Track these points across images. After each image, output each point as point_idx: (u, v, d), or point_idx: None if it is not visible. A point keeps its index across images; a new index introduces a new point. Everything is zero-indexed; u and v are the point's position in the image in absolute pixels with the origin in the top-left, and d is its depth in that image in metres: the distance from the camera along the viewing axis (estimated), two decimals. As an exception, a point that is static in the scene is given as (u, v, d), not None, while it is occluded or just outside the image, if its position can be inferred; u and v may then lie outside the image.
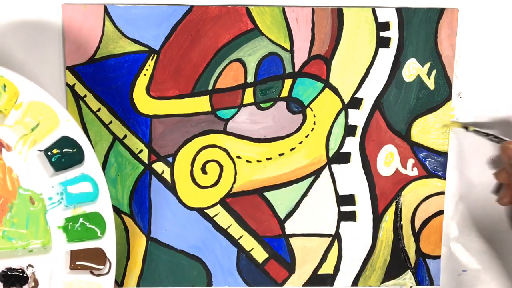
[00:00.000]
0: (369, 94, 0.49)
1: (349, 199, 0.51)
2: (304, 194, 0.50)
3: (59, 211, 0.43)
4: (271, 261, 0.51)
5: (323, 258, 0.51)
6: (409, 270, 0.52)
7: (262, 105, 0.49)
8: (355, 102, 0.49)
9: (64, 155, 0.43)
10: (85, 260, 0.44)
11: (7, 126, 0.42)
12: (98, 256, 0.44)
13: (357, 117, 0.50)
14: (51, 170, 0.43)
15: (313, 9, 0.48)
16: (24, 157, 0.42)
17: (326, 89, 0.49)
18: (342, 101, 0.49)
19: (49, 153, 0.43)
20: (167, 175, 0.49)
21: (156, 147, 0.49)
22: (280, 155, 0.50)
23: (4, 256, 0.44)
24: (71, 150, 0.43)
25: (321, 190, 0.50)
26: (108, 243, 0.44)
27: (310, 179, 0.50)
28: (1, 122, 0.42)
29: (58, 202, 0.43)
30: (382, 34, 0.48)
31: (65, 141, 0.42)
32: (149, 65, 0.48)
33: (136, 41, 0.47)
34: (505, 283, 0.52)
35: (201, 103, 0.48)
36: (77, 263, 0.44)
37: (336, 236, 0.51)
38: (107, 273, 0.44)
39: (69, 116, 0.42)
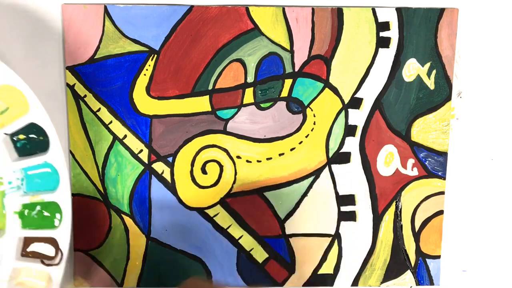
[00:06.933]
0: (369, 94, 0.49)
1: (349, 199, 0.51)
2: (304, 194, 0.50)
3: (17, 197, 0.43)
4: (271, 261, 0.51)
5: (323, 258, 0.51)
6: (409, 270, 0.52)
7: (262, 105, 0.49)
8: (355, 102, 0.49)
9: (30, 142, 0.43)
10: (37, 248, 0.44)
11: None
12: (51, 245, 0.44)
13: (357, 117, 0.49)
14: (15, 155, 0.43)
15: (313, 9, 0.48)
16: None
17: (326, 89, 0.49)
18: (342, 101, 0.49)
19: (15, 138, 0.43)
20: (167, 175, 0.49)
21: (156, 147, 0.49)
22: (280, 155, 0.50)
23: None
24: (37, 137, 0.43)
25: (321, 190, 0.50)
26: (62, 234, 0.43)
27: (310, 179, 0.50)
28: None
29: (18, 187, 0.43)
30: (382, 34, 0.48)
31: (33, 128, 0.42)
32: (149, 65, 0.48)
33: (136, 41, 0.47)
34: (505, 283, 0.52)
35: (201, 103, 0.48)
36: (28, 250, 0.43)
37: (336, 236, 0.51)
38: (58, 264, 0.44)
39: (38, 102, 0.42)
